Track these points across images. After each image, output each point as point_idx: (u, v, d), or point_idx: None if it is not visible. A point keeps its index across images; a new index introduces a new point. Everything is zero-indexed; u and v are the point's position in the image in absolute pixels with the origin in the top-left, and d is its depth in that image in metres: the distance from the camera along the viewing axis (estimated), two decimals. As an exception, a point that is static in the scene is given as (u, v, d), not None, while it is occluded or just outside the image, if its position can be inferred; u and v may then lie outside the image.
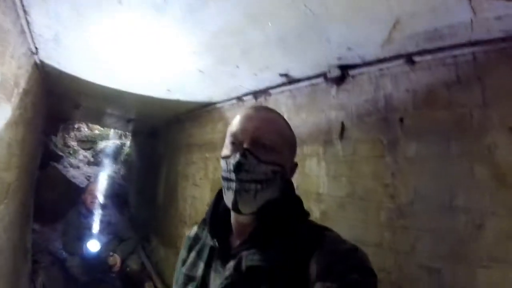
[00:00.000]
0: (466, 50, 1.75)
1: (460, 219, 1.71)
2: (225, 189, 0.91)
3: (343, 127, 2.29)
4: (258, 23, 1.82)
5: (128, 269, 4.57)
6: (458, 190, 1.74)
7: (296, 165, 1.00)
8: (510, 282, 1.50)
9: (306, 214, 0.95)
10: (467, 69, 1.77)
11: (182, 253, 1.08)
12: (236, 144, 0.90)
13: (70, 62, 2.88)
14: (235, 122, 0.94)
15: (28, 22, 2.05)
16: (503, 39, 1.62)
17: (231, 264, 0.86)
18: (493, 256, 1.57)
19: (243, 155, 0.85)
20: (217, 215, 0.98)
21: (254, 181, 0.86)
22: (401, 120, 2.00)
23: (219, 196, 0.99)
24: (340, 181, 2.25)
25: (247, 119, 0.92)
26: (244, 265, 0.82)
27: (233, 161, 0.86)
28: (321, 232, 0.87)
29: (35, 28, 2.16)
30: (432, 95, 1.89)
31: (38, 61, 2.74)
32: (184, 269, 1.01)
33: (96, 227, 4.56)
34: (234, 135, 0.91)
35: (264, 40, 2.01)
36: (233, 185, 0.86)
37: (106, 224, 4.71)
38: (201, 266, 0.95)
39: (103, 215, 4.73)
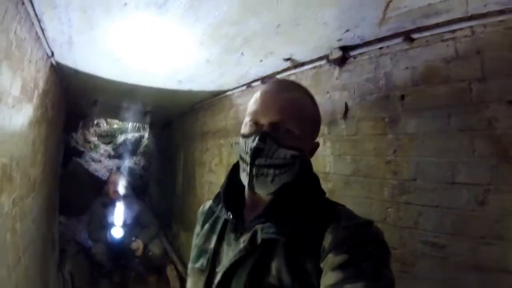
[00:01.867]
0: (464, 25, 1.77)
1: (462, 195, 1.73)
2: (242, 169, 0.90)
3: (346, 107, 2.34)
4: (255, 13, 1.88)
5: (150, 253, 4.78)
6: (460, 165, 1.76)
7: (317, 144, 0.97)
8: (509, 258, 1.55)
9: (323, 192, 0.93)
10: (465, 43, 1.78)
11: (197, 228, 1.09)
12: (256, 124, 0.88)
13: (84, 62, 3.00)
14: (256, 99, 0.91)
15: (42, 29, 2.17)
16: (500, 12, 1.62)
17: (245, 237, 0.85)
18: (495, 233, 1.61)
19: (262, 139, 0.83)
20: (232, 189, 0.97)
21: (272, 166, 0.84)
22: (402, 97, 2.03)
23: (234, 170, 0.99)
24: (345, 160, 2.31)
25: (269, 98, 0.89)
26: (259, 237, 0.81)
27: (251, 144, 0.84)
28: (336, 207, 0.87)
29: (49, 33, 2.28)
30: (431, 71, 1.92)
31: (54, 63, 2.87)
32: (197, 242, 1.01)
33: (119, 215, 4.77)
34: (255, 115, 0.88)
35: (263, 28, 2.07)
36: (250, 168, 0.85)
37: (128, 212, 4.92)
38: (214, 239, 0.95)
39: (125, 204, 4.94)
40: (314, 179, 0.95)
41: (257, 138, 0.83)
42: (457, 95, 1.79)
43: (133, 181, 7.14)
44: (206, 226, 1.02)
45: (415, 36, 1.98)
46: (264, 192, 0.88)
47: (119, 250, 4.61)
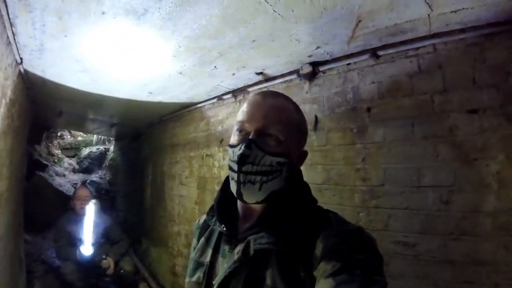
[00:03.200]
0: (427, 42, 1.94)
1: (428, 197, 1.89)
2: (231, 179, 0.90)
3: (316, 119, 2.45)
4: (233, 27, 1.95)
5: (122, 271, 4.63)
6: (424, 170, 1.92)
7: (305, 153, 0.97)
8: (480, 252, 1.69)
9: (314, 200, 0.93)
10: (428, 59, 1.96)
11: (193, 242, 1.09)
12: (243, 133, 0.89)
13: (53, 70, 2.93)
14: (242, 110, 0.92)
15: (14, 34, 2.12)
16: (461, 30, 1.80)
17: (239, 248, 0.86)
18: (462, 229, 1.75)
19: (248, 146, 0.83)
20: (225, 201, 0.97)
21: (259, 173, 0.84)
22: (368, 109, 2.18)
23: (226, 182, 0.98)
24: (316, 169, 2.40)
25: (254, 106, 0.89)
26: (252, 248, 0.82)
27: (238, 152, 0.85)
28: (327, 215, 0.87)
29: (21, 39, 2.23)
30: (395, 85, 2.07)
31: (22, 71, 2.80)
32: (193, 256, 1.02)
33: (87, 231, 4.61)
34: (241, 124, 0.89)
35: (239, 42, 2.15)
36: (237, 176, 0.86)
37: (96, 229, 4.76)
38: (209, 251, 0.97)
39: (93, 220, 4.78)
40: (304, 187, 0.95)
41: (243, 146, 0.84)
42: (420, 106, 1.96)
43: (100, 196, 6.92)
44: (202, 239, 1.03)
45: (381, 53, 2.13)
46: (252, 200, 0.88)
47: (89, 269, 4.42)
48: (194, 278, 0.96)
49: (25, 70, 2.86)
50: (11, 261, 3.07)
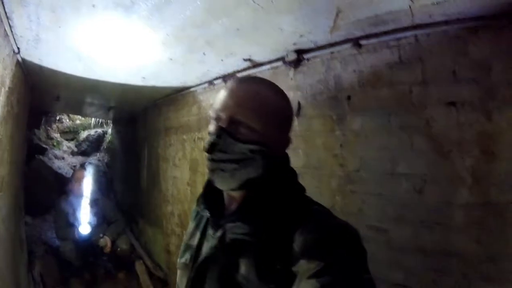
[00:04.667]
0: (409, 33, 1.93)
1: (402, 185, 1.93)
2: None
3: (299, 106, 2.53)
4: (217, 17, 2.03)
5: (118, 249, 4.82)
6: (399, 159, 1.96)
7: (287, 140, 0.93)
8: (451, 243, 1.73)
9: (299, 189, 0.91)
10: (409, 50, 1.96)
11: (189, 224, 1.10)
12: (217, 120, 0.87)
13: (49, 58, 3.02)
14: (218, 97, 0.90)
15: (10, 26, 2.22)
16: (445, 22, 1.79)
17: (217, 234, 0.87)
18: (434, 219, 1.79)
19: (217, 134, 0.83)
20: (213, 187, 0.95)
21: (230, 160, 0.83)
22: (349, 97, 2.23)
23: None
24: (298, 153, 2.50)
25: (228, 94, 0.87)
26: (227, 237, 0.83)
27: (209, 139, 0.84)
28: (309, 207, 0.84)
29: (17, 30, 2.33)
30: (376, 75, 2.11)
31: (20, 60, 2.89)
32: (185, 238, 1.05)
33: (84, 212, 4.77)
34: (216, 111, 0.87)
35: (224, 31, 2.23)
36: (208, 164, 0.86)
37: (94, 209, 4.92)
38: (197, 235, 0.99)
39: (90, 201, 4.94)
40: (288, 176, 0.93)
41: (214, 134, 0.84)
42: (398, 97, 1.99)
43: (98, 178, 7.06)
44: (194, 223, 1.05)
45: (363, 42, 2.16)
46: (225, 187, 0.88)
47: (87, 248, 4.60)
48: (183, 260, 0.99)
49: (23, 59, 2.95)
50: (12, 242, 3.20)
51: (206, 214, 0.94)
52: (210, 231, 0.92)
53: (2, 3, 1.90)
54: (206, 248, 0.91)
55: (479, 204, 1.67)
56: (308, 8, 1.86)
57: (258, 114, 0.84)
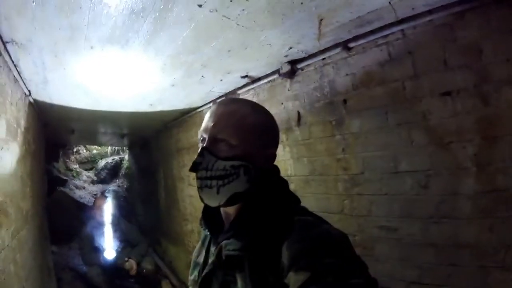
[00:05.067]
0: (395, 29, 1.95)
1: (406, 182, 1.94)
2: None
3: (299, 115, 2.59)
4: (207, 42, 2.14)
5: (144, 270, 4.89)
6: (401, 156, 1.97)
7: (271, 153, 0.95)
8: (462, 235, 1.72)
9: (289, 200, 0.93)
10: (397, 46, 1.98)
11: (198, 243, 1.13)
12: (202, 142, 0.91)
13: (59, 96, 3.20)
14: (203, 120, 0.95)
15: (19, 72, 2.39)
16: (429, 12, 1.79)
17: (214, 252, 0.90)
18: (442, 213, 1.78)
19: (200, 154, 0.87)
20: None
21: (214, 177, 0.86)
22: (345, 101, 2.27)
23: None
24: (302, 162, 2.55)
25: (209, 116, 0.92)
26: (223, 254, 0.86)
27: (194, 160, 0.88)
28: (292, 219, 0.83)
29: (26, 75, 2.50)
30: (368, 75, 2.14)
31: (32, 101, 3.08)
32: (193, 256, 1.09)
33: (108, 237, 4.91)
34: (200, 133, 0.93)
35: (217, 53, 2.33)
36: (196, 182, 0.90)
37: (117, 233, 5.06)
38: (203, 253, 1.02)
39: (113, 226, 5.08)
40: (276, 188, 0.93)
41: (198, 154, 0.88)
42: (392, 94, 2.01)
43: (118, 203, 7.24)
44: (200, 241, 1.09)
45: (352, 44, 2.19)
46: (213, 203, 0.90)
47: (113, 271, 4.72)
48: (192, 277, 1.03)
49: (34, 100, 3.14)
50: (41, 271, 3.34)
51: (206, 232, 0.99)
52: (212, 248, 0.96)
53: (8, 52, 2.05)
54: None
55: (486, 192, 1.64)
56: (290, 21, 1.92)
57: (235, 131, 0.88)
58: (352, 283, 0.66)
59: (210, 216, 1.00)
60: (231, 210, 0.93)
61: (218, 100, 1.01)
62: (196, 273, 1.02)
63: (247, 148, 0.88)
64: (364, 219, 2.14)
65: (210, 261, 0.93)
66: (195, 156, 0.88)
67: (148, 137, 6.49)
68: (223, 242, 0.88)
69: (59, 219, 5.78)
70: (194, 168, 0.88)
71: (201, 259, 1.02)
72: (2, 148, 2.08)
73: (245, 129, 0.89)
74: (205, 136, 0.90)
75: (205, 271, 0.91)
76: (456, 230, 1.74)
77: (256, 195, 0.89)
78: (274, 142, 0.97)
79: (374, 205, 2.11)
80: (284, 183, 0.96)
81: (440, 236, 1.79)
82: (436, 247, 1.81)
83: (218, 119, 0.89)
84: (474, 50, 1.67)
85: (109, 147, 9.34)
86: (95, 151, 9.69)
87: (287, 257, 0.74)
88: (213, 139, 0.88)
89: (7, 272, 1.92)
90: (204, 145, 0.89)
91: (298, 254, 0.73)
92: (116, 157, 9.40)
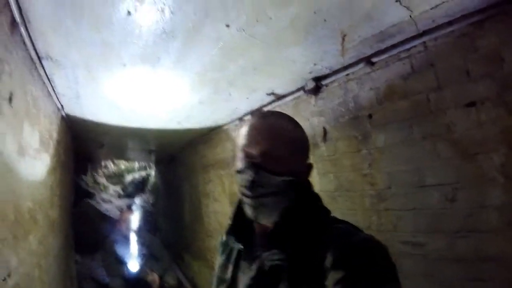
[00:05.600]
0: (417, 42, 1.95)
1: (433, 196, 1.90)
2: (244, 203, 0.91)
3: (325, 131, 2.59)
4: (233, 60, 2.21)
5: (166, 285, 4.91)
6: (427, 169, 1.94)
7: (310, 166, 0.96)
8: (488, 248, 1.66)
9: (325, 211, 0.94)
10: (419, 58, 1.97)
11: (218, 258, 1.10)
12: (247, 157, 0.88)
13: (90, 111, 3.34)
14: (243, 134, 0.92)
15: (52, 87, 2.52)
16: (449, 23, 1.79)
17: (254, 265, 0.88)
18: (469, 226, 1.74)
19: (254, 171, 0.85)
20: (241, 220, 0.98)
21: (269, 194, 0.86)
22: (370, 116, 2.26)
23: (240, 201, 0.99)
24: (328, 178, 2.53)
25: (254, 129, 0.90)
26: (266, 265, 0.85)
27: (246, 177, 0.86)
28: (336, 225, 0.87)
29: (59, 90, 2.64)
30: (391, 89, 2.13)
31: (64, 115, 3.23)
32: (217, 272, 1.05)
33: (133, 250, 4.97)
34: (244, 148, 0.89)
35: (242, 71, 2.40)
36: (250, 201, 0.87)
37: (141, 247, 5.12)
38: (230, 268, 0.99)
39: (137, 239, 5.15)
40: (314, 200, 0.95)
41: (250, 171, 0.85)
42: (416, 107, 1.99)
43: (144, 217, 7.35)
44: (223, 256, 1.05)
45: (375, 59, 2.20)
46: (268, 221, 0.89)
47: (135, 284, 4.75)
48: None
49: (66, 114, 3.29)
50: (63, 278, 3.43)
51: (239, 246, 0.96)
52: (244, 263, 0.94)
53: (43, 67, 2.18)
54: (244, 280, 0.91)
55: None
56: (313, 38, 1.95)
57: (286, 146, 0.87)
58: (386, 287, 0.70)
59: (239, 229, 0.99)
60: (268, 223, 0.92)
61: (257, 114, 1.02)
62: None
63: (294, 162, 0.89)
64: (390, 235, 2.11)
65: (245, 276, 0.91)
66: (245, 174, 0.86)
67: (174, 153, 6.61)
68: (265, 254, 0.87)
69: (84, 230, 5.93)
70: (251, 186, 0.85)
71: (227, 275, 0.99)
72: (35, 158, 2.18)
73: (292, 143, 0.89)
74: (253, 151, 0.87)
75: (246, 285, 0.89)
76: (482, 244, 1.69)
77: (298, 208, 0.89)
78: (308, 155, 0.98)
79: (402, 221, 2.07)
80: (318, 196, 0.97)
81: (466, 250, 1.75)
82: (462, 261, 1.76)
83: (266, 134, 0.88)
84: (496, 58, 1.64)
85: (137, 163, 9.54)
86: (122, 166, 9.88)
87: (330, 260, 0.76)
88: (266, 155, 0.86)
89: (31, 276, 2.00)
90: (256, 160, 0.86)
91: (340, 256, 0.76)
92: (143, 173, 9.58)
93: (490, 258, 1.66)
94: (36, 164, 2.26)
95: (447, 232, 1.84)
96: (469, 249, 1.74)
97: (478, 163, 1.72)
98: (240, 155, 0.91)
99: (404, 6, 1.65)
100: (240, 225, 0.99)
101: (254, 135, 0.89)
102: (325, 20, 1.77)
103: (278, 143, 0.87)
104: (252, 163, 0.86)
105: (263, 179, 0.85)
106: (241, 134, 0.93)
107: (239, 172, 0.90)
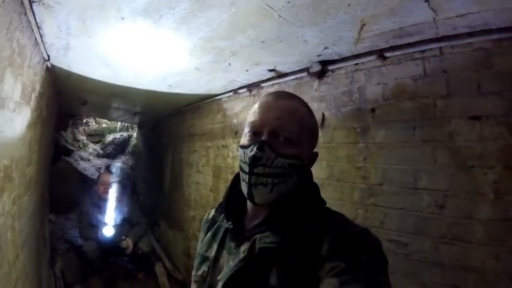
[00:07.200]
0: (434, 45, 1.93)
1: (423, 199, 1.91)
2: (241, 179, 0.90)
3: (323, 117, 2.53)
4: (242, 30, 2.07)
5: (139, 251, 4.88)
6: (422, 172, 1.94)
7: (316, 154, 0.96)
8: (469, 258, 1.70)
9: (322, 202, 0.93)
10: (433, 63, 1.95)
11: (201, 235, 1.09)
12: (255, 134, 0.87)
13: (78, 65, 3.14)
14: (254, 110, 0.90)
15: (41, 35, 2.31)
16: (469, 34, 1.78)
17: (245, 246, 0.86)
18: (454, 234, 1.77)
19: (260, 148, 0.83)
20: (234, 198, 0.98)
21: (271, 175, 0.84)
22: (373, 110, 2.23)
23: (236, 180, 0.99)
24: (321, 165, 2.49)
25: (267, 107, 0.88)
26: (257, 246, 0.83)
27: (250, 153, 0.84)
28: (334, 216, 0.86)
29: (48, 39, 2.43)
30: (400, 87, 2.10)
31: (49, 66, 3.01)
32: (200, 250, 1.03)
33: (109, 214, 4.89)
34: (253, 125, 0.88)
35: (249, 43, 2.27)
36: (248, 178, 0.85)
37: (118, 211, 5.04)
38: (215, 247, 0.97)
39: (115, 203, 5.06)
40: (313, 189, 0.94)
41: (255, 147, 0.83)
42: (422, 110, 1.98)
43: (122, 180, 7.23)
44: (209, 234, 1.03)
45: (387, 54, 2.15)
46: (263, 201, 0.87)
47: (109, 248, 4.70)
48: (200, 272, 0.97)
49: (52, 65, 3.07)
50: (37, 239, 3.31)
51: (230, 227, 0.94)
52: (231, 244, 0.92)
53: (33, 13, 1.98)
54: (229, 261, 0.89)
55: (500, 220, 1.64)
56: (332, 21, 1.87)
57: (297, 128, 0.86)
58: (380, 280, 0.71)
59: (232, 209, 0.97)
60: (263, 203, 0.89)
61: (271, 93, 0.95)
62: (205, 268, 0.97)
63: (302, 147, 0.88)
64: (376, 231, 2.06)
65: (231, 257, 0.89)
66: (249, 150, 0.85)
67: (160, 118, 6.46)
68: (257, 236, 0.85)
69: (60, 188, 5.81)
70: (254, 163, 0.84)
71: (211, 253, 0.97)
72: (14, 110, 2.02)
73: (303, 127, 0.88)
74: (263, 129, 0.86)
75: (233, 267, 0.85)
76: (465, 253, 1.73)
77: (297, 194, 0.88)
78: (316, 143, 0.97)
79: (388, 218, 2.08)
80: (317, 186, 0.96)
81: (448, 257, 1.78)
82: (443, 267, 1.80)
83: (281, 113, 0.86)
84: (509, 79, 1.66)
85: (119, 123, 9.31)
86: (104, 125, 9.64)
87: (326, 250, 0.76)
88: (274, 134, 0.85)
89: (3, 239, 1.86)
90: (264, 138, 0.85)
91: (337, 247, 0.75)
92: (125, 134, 9.36)
93: (471, 268, 1.70)
94: (15, 119, 2.08)
95: (432, 236, 1.86)
96: (451, 256, 1.78)
97: (472, 175, 1.75)
98: (247, 131, 0.90)
99: (431, 8, 1.61)
100: (232, 203, 0.98)
101: (266, 112, 0.87)
102: (349, 5, 1.68)
103: (288, 125, 0.85)
104: (259, 141, 0.84)
105: (267, 157, 0.83)
106: (252, 111, 0.91)
107: (243, 147, 0.89)
